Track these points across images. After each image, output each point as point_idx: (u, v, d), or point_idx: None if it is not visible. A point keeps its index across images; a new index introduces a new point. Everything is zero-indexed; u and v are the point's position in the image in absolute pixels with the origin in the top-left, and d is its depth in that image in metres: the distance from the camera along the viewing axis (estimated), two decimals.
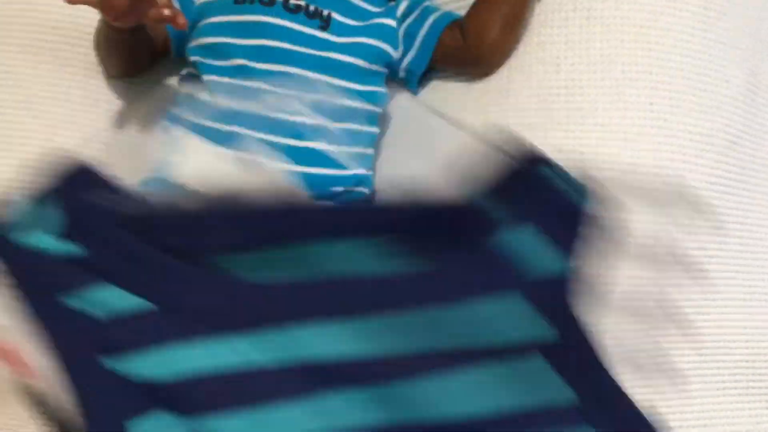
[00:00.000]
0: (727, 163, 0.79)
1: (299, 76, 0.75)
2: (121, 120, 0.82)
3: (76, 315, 0.53)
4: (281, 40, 0.76)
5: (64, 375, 0.52)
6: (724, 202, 0.80)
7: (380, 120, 0.83)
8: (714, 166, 0.77)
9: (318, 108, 0.76)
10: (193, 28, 0.80)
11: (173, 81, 0.85)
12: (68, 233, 0.55)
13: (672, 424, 0.77)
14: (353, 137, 0.78)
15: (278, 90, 0.74)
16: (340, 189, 0.76)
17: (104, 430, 0.52)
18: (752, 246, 0.81)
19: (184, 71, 0.82)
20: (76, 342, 0.53)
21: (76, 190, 0.57)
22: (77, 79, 0.81)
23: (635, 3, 0.79)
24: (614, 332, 0.75)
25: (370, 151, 0.81)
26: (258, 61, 0.75)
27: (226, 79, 0.75)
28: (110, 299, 0.54)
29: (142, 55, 0.81)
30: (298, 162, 0.73)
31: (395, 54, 0.83)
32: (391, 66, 0.83)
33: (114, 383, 0.53)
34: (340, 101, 0.77)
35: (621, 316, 0.75)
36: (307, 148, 0.74)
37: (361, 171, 0.78)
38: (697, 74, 0.78)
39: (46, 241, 0.54)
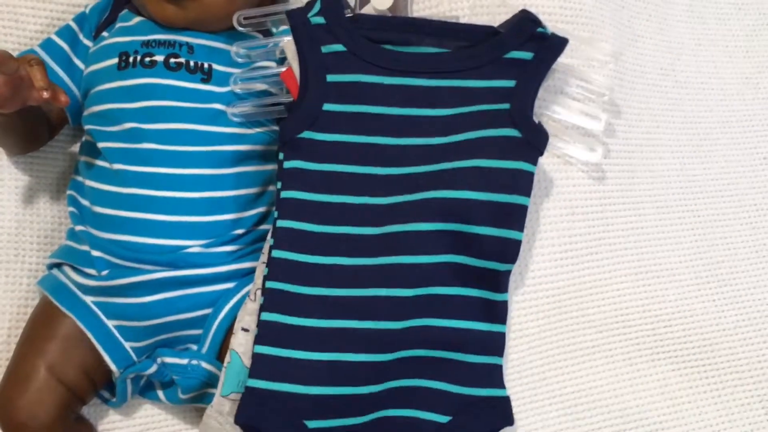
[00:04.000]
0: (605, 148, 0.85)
1: (188, 131, 0.79)
2: (30, 195, 0.86)
3: None
4: (166, 98, 0.79)
5: None
6: (604, 186, 0.85)
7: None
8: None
9: (210, 157, 0.80)
10: (85, 97, 0.84)
11: (76, 148, 0.89)
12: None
13: (584, 400, 0.83)
14: (249, 179, 0.82)
15: (169, 148, 0.79)
16: (241, 231, 0.80)
17: None
18: (637, 221, 0.87)
19: (83, 138, 0.86)
20: None
21: None
22: None
23: None
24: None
25: (270, 188, 0.85)
26: (147, 122, 0.79)
27: (118, 144, 0.79)
28: None
29: (38, 131, 0.84)
30: (196, 213, 0.78)
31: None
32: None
33: None
34: (231, 148, 0.81)
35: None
36: (203, 198, 0.79)
37: (260, 210, 0.82)
38: None
39: None
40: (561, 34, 0.77)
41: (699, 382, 0.86)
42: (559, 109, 0.81)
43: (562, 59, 0.76)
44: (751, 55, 0.98)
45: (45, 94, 0.71)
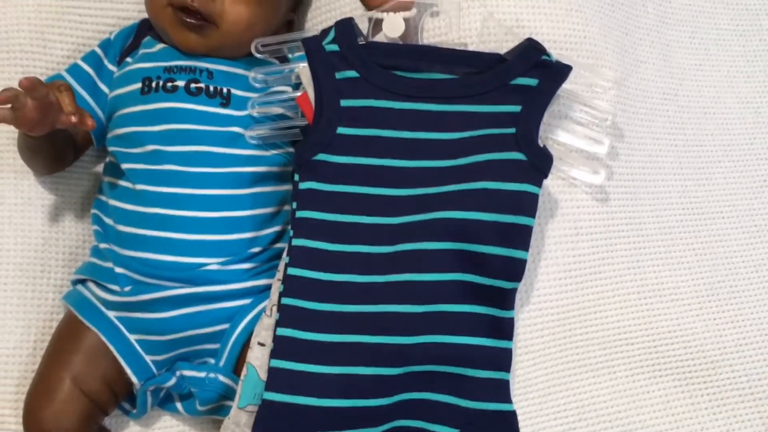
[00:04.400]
0: (609, 170, 0.88)
1: (207, 153, 0.83)
2: (56, 214, 0.90)
3: None
4: (186, 122, 0.83)
5: None
6: (607, 207, 0.88)
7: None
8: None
9: (229, 178, 0.84)
10: (109, 120, 0.88)
11: (99, 168, 0.93)
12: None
13: (587, 416, 0.85)
14: (266, 199, 0.86)
15: (190, 169, 0.82)
16: (257, 249, 0.84)
17: None
18: (639, 242, 0.89)
19: (107, 159, 0.90)
20: None
21: None
22: (9, 182, 0.88)
23: None
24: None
25: (285, 207, 0.89)
26: (168, 144, 0.82)
27: (141, 165, 0.83)
28: None
29: (64, 152, 0.88)
30: (214, 231, 0.81)
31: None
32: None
33: None
34: (249, 169, 0.84)
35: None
36: (221, 218, 0.82)
37: (276, 228, 0.86)
38: None
39: None
40: (565, 61, 0.80)
41: (700, 398, 0.88)
42: (563, 133, 0.84)
43: (567, 85, 0.80)
44: (752, 80, 1.01)
45: (73, 119, 0.75)
